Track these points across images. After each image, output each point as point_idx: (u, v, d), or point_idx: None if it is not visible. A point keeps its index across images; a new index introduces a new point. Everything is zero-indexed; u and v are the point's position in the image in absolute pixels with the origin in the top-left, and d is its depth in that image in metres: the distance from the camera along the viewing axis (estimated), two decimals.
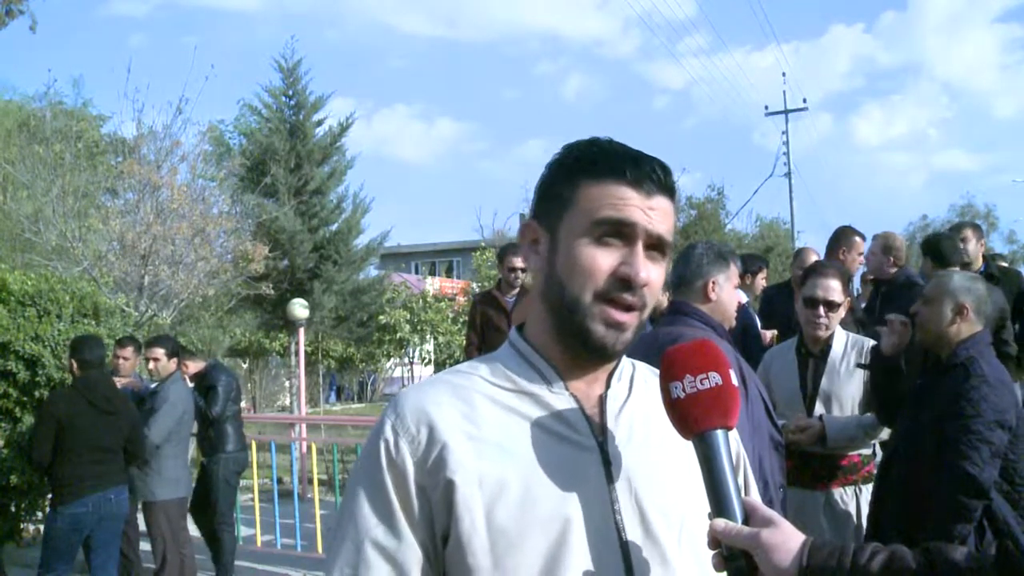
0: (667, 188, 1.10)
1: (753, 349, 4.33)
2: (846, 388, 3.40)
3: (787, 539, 1.00)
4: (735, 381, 1.07)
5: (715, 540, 1.02)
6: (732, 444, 1.24)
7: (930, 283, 3.15)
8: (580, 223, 1.09)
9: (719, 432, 1.03)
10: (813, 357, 3.50)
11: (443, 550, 1.05)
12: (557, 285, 1.10)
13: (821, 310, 3.39)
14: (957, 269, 4.52)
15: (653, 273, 1.09)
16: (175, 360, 5.55)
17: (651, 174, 1.09)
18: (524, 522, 1.03)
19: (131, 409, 5.15)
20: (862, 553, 1.00)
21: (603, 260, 1.07)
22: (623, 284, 1.07)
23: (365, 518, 1.05)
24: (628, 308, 1.08)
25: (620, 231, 1.08)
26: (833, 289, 3.39)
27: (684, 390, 1.04)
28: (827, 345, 3.48)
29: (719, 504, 1.02)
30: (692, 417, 1.04)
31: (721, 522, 1.01)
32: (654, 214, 1.08)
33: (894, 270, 5.23)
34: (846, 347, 3.49)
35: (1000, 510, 2.75)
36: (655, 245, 1.10)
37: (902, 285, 5.11)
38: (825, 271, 3.48)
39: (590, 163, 1.10)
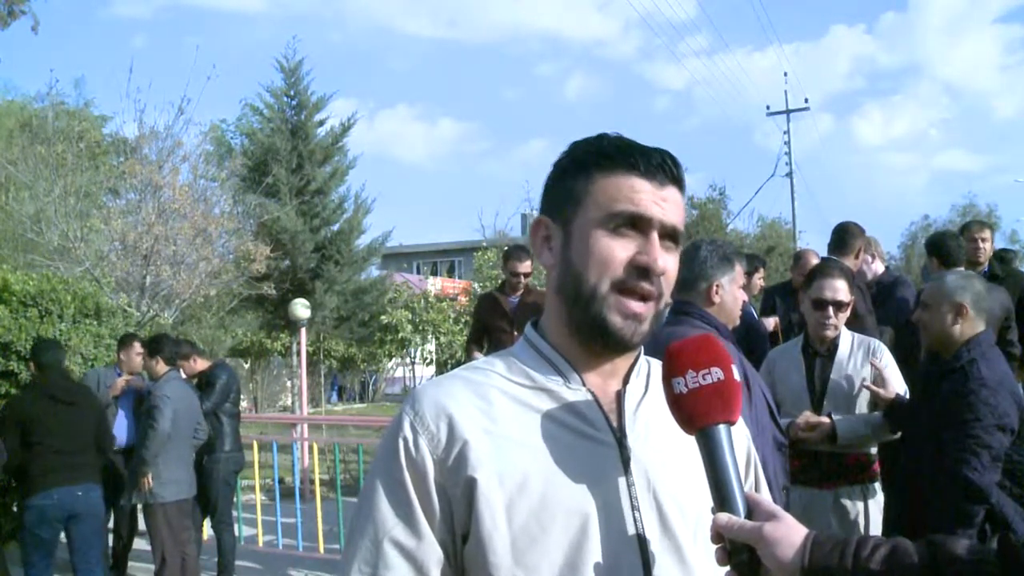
0: (677, 179, 1.12)
1: (757, 349, 4.32)
2: (855, 386, 3.39)
3: (790, 533, 1.00)
4: (737, 376, 1.07)
5: (718, 534, 1.01)
6: (743, 443, 1.24)
7: (927, 288, 3.15)
8: (595, 216, 1.10)
9: (722, 427, 1.03)
10: (820, 356, 3.51)
11: (462, 547, 1.05)
12: (574, 277, 1.11)
13: (830, 310, 3.39)
14: (961, 269, 4.52)
15: (669, 263, 1.11)
16: (160, 359, 5.44)
17: (662, 165, 1.10)
18: (544, 518, 1.03)
19: (94, 400, 5.24)
20: (864, 546, 1.00)
21: (620, 250, 1.08)
22: (641, 272, 1.08)
23: (384, 516, 1.05)
24: (644, 298, 1.09)
25: (635, 223, 1.09)
26: (840, 289, 3.40)
27: (687, 385, 1.04)
28: (834, 344, 3.49)
29: (722, 498, 1.02)
30: (695, 412, 1.04)
31: (724, 516, 1.01)
32: (667, 205, 1.10)
33: (881, 269, 5.24)
34: (852, 346, 3.50)
35: (1003, 512, 2.74)
36: (668, 235, 1.11)
37: (890, 285, 5.12)
38: (830, 271, 3.47)
39: (602, 156, 1.11)
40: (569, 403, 1.11)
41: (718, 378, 1.04)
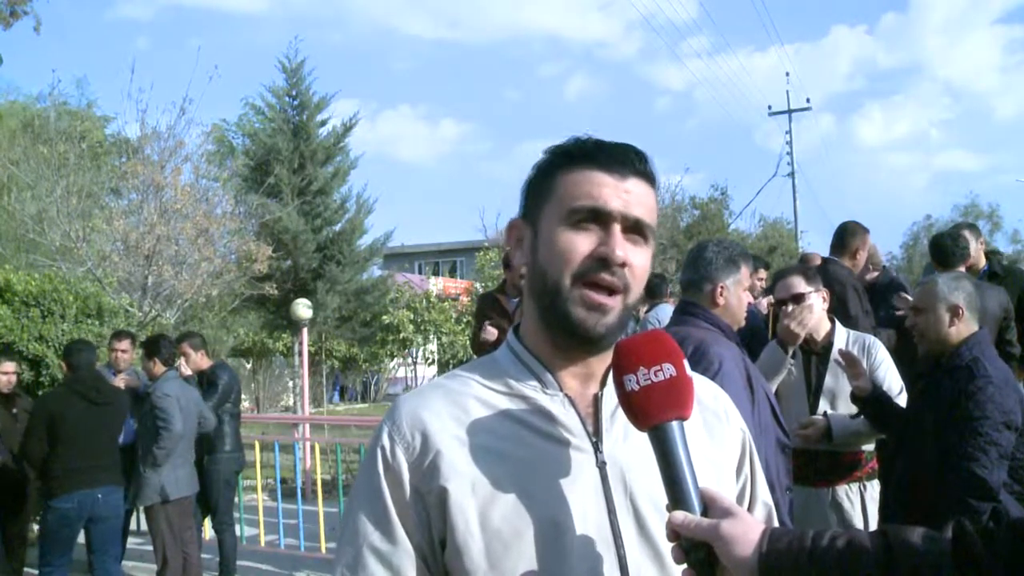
0: (641, 172, 1.12)
1: (759, 351, 4.31)
2: (849, 385, 3.40)
3: (747, 530, 0.99)
4: (689, 371, 1.06)
5: (674, 532, 1.00)
6: (737, 435, 1.23)
7: (917, 292, 3.15)
8: (558, 212, 1.11)
9: (674, 423, 1.02)
10: (816, 355, 3.52)
11: (442, 554, 1.07)
12: (540, 275, 1.12)
13: (789, 306, 3.41)
14: (963, 271, 4.51)
15: (635, 256, 1.10)
16: (158, 360, 5.37)
17: (624, 159, 1.10)
18: (519, 524, 1.04)
19: (123, 400, 5.23)
20: (821, 539, 0.99)
21: (581, 243, 1.09)
22: (601, 263, 1.08)
23: (363, 523, 1.08)
24: (610, 291, 1.09)
25: (596, 216, 1.09)
26: (795, 285, 3.44)
27: (639, 383, 1.03)
28: (828, 342, 3.50)
29: (677, 496, 1.01)
30: (648, 410, 1.02)
31: (680, 514, 0.99)
32: (630, 197, 1.09)
33: (875, 274, 5.25)
34: (847, 343, 3.51)
35: (1007, 511, 2.73)
36: (635, 228, 1.10)
37: (886, 287, 5.12)
38: (785, 274, 3.57)
39: (565, 156, 1.13)
40: (545, 409, 1.11)
41: (670, 374, 1.03)
